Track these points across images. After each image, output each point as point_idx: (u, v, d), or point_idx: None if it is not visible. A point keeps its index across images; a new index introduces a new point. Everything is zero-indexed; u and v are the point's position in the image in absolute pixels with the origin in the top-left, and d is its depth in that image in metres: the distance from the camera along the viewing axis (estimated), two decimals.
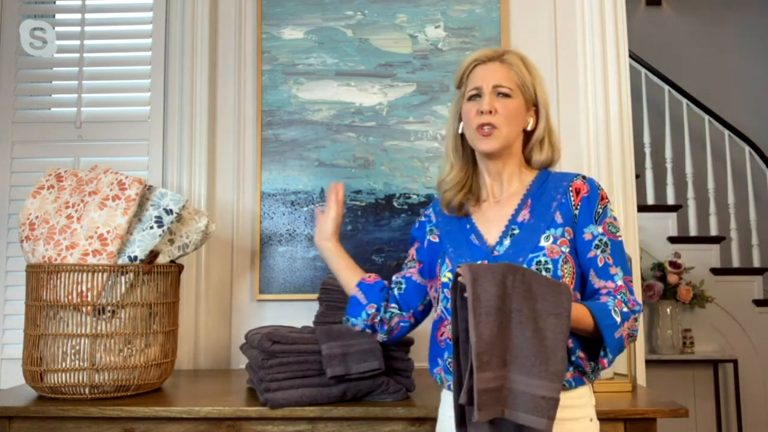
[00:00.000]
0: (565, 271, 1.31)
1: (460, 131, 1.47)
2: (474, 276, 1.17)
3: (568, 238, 1.34)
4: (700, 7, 5.50)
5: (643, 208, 3.92)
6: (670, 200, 4.41)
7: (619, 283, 1.32)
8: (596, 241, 1.34)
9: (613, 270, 1.33)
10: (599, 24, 2.35)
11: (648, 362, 2.71)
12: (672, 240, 4.28)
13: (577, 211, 1.36)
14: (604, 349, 1.28)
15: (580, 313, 1.26)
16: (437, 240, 1.48)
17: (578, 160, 2.32)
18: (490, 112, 1.38)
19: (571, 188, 1.38)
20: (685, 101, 4.65)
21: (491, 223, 1.42)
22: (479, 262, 1.35)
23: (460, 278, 1.20)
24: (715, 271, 4.29)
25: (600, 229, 1.35)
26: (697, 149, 4.64)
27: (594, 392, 1.75)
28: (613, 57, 2.33)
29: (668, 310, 4.03)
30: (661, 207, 4.37)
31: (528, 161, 1.47)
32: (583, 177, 1.41)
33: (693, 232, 4.38)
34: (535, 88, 1.44)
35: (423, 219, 1.55)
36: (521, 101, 1.42)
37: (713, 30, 5.47)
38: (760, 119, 5.27)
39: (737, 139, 4.70)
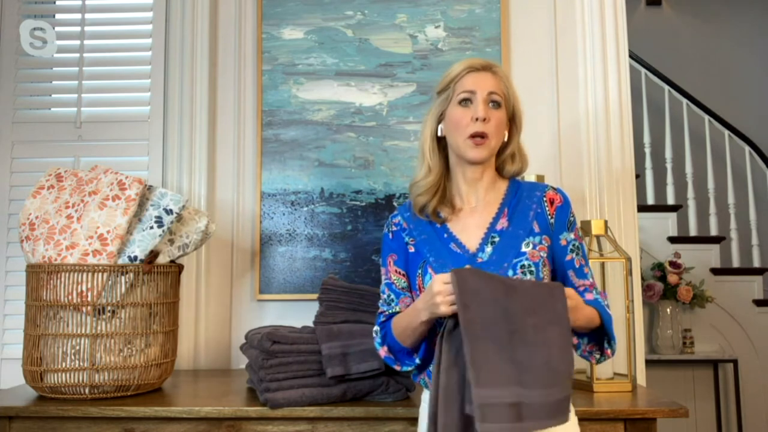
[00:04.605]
0: (545, 273, 1.40)
1: (440, 134, 1.49)
2: (464, 303, 1.20)
3: (546, 245, 1.42)
4: (700, 7, 5.50)
5: (643, 208, 3.93)
6: (670, 200, 4.41)
7: (592, 280, 1.46)
8: (571, 246, 1.45)
9: (586, 270, 1.46)
10: (599, 24, 2.35)
11: (648, 362, 2.72)
12: (672, 240, 4.28)
13: (552, 220, 1.44)
14: (609, 341, 1.38)
15: (592, 313, 1.35)
16: (413, 250, 1.48)
17: (578, 160, 2.32)
18: (485, 120, 1.41)
19: (545, 198, 1.46)
20: (685, 101, 4.65)
21: (469, 230, 1.45)
22: (466, 266, 1.38)
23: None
24: (715, 271, 4.29)
25: (572, 236, 1.45)
26: (697, 149, 4.64)
27: (594, 392, 1.79)
28: (613, 57, 2.33)
29: (668, 310, 4.03)
30: (661, 207, 4.37)
31: (499, 171, 1.52)
32: (553, 188, 1.48)
33: (693, 232, 4.38)
34: (515, 103, 1.49)
35: (395, 228, 1.52)
36: (505, 113, 1.46)
37: (713, 30, 5.47)
38: (760, 119, 5.27)
39: (737, 139, 4.70)
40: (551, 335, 1.22)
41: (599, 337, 1.40)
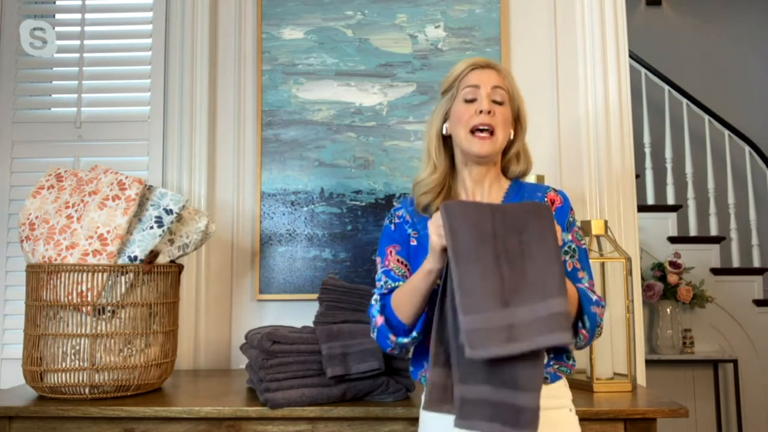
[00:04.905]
0: None
1: (445, 132, 1.49)
2: (452, 227, 1.20)
3: None
4: (700, 7, 5.50)
5: (643, 208, 3.93)
6: (670, 200, 4.41)
7: (586, 285, 1.41)
8: (566, 248, 1.42)
9: (581, 274, 1.42)
10: (599, 24, 2.35)
11: (648, 362, 2.72)
12: (672, 240, 4.28)
13: None
14: (582, 318, 1.34)
15: (570, 286, 1.31)
16: (416, 243, 1.47)
17: (578, 160, 2.32)
18: (489, 112, 1.41)
19: (546, 199, 1.46)
20: (685, 101, 4.65)
21: None
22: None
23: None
24: (715, 271, 4.29)
25: (569, 237, 1.44)
26: (697, 149, 4.64)
27: (594, 392, 1.79)
28: (613, 57, 2.33)
29: (668, 310, 4.03)
30: (661, 207, 4.37)
31: (504, 171, 1.52)
32: (555, 189, 1.49)
33: (693, 232, 4.38)
34: (519, 103, 1.49)
35: (398, 221, 1.51)
36: (509, 110, 1.47)
37: (713, 30, 5.47)
38: (760, 119, 5.27)
39: (737, 139, 4.70)
40: (537, 249, 1.20)
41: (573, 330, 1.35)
